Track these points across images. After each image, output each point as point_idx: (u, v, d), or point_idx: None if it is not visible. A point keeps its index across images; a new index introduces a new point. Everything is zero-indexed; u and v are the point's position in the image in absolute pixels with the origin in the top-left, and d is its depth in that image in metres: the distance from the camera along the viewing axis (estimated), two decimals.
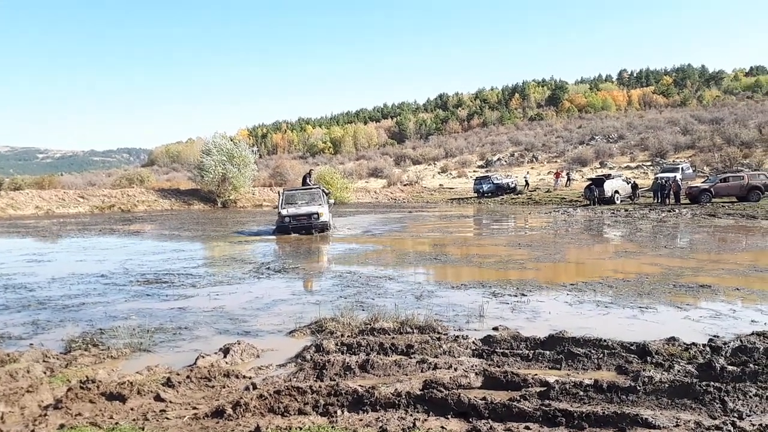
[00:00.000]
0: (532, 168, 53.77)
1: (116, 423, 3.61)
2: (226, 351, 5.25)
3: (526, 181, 42.54)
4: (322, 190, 18.85)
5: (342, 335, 5.73)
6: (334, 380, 4.33)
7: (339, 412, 3.72)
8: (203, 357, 5.08)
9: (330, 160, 79.92)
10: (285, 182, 46.06)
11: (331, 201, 18.90)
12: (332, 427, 3.51)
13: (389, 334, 5.71)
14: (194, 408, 3.92)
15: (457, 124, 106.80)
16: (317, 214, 16.97)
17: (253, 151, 43.07)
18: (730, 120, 54.39)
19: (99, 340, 5.79)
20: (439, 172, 62.98)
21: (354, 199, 44.65)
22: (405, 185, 53.96)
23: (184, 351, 5.52)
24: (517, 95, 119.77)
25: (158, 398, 4.05)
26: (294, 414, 3.74)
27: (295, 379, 4.47)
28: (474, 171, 58.67)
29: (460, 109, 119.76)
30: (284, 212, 17.11)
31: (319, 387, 4.04)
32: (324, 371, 4.56)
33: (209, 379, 4.47)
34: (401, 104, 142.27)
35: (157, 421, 3.67)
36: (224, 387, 4.38)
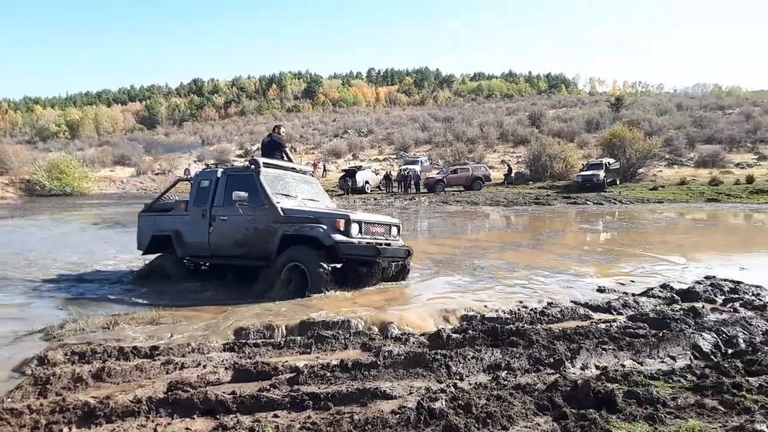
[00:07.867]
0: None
1: None
2: None
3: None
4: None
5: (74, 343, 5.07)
6: (61, 395, 3.81)
7: (65, 430, 3.28)
8: None
9: (66, 145, 70.18)
10: (7, 170, 39.05)
11: None
12: None
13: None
14: None
15: (214, 112, 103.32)
16: (397, 227, 8.30)
17: None
18: (459, 119, 62.48)
19: None
20: (195, 161, 60.04)
21: (96, 189, 40.10)
22: (157, 174, 50.21)
23: None
24: (274, 86, 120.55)
25: None
26: None
27: (9, 400, 3.80)
28: (234, 160, 57.35)
29: (216, 96, 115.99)
30: (352, 215, 7.26)
31: (41, 405, 3.50)
32: (48, 386, 3.97)
33: None
34: (151, 87, 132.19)
35: None
36: None
